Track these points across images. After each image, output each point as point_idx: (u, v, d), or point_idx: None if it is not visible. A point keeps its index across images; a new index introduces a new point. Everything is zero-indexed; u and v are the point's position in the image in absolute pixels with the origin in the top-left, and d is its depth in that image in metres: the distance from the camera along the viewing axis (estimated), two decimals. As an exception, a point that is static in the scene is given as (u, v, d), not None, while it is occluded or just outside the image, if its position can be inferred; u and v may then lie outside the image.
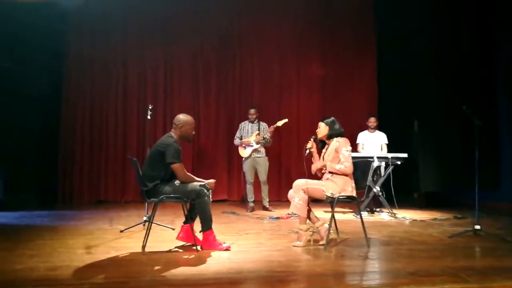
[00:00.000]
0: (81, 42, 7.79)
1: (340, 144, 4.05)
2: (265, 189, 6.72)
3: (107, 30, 7.86)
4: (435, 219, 5.83)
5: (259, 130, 6.71)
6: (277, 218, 5.81)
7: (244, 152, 6.65)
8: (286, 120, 6.57)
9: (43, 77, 7.35)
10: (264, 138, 6.60)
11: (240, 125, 6.91)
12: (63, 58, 7.77)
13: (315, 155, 4.24)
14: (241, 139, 6.73)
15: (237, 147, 6.84)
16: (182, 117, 3.98)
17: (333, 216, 4.02)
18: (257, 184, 6.79)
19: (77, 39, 7.78)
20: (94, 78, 7.87)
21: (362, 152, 6.52)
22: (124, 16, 7.88)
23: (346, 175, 4.00)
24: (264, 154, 6.73)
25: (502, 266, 3.34)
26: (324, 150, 4.21)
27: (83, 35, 7.80)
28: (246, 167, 6.68)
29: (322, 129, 4.17)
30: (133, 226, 4.66)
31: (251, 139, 6.63)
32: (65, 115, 7.73)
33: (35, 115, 7.27)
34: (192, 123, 4.00)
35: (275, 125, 6.53)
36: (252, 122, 6.78)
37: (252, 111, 6.78)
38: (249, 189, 6.71)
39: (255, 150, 6.62)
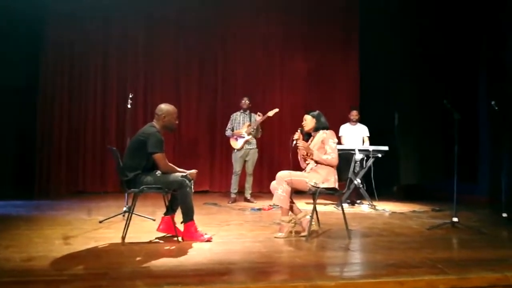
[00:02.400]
0: (59, 30, 7.60)
1: (327, 135, 4.08)
2: (249, 181, 6.70)
3: (87, 17, 7.68)
4: (414, 211, 5.93)
5: (250, 121, 6.66)
6: (259, 209, 5.81)
7: (236, 144, 6.59)
8: (276, 110, 6.55)
9: (20, 66, 7.13)
10: (252, 130, 6.57)
11: (231, 116, 6.80)
12: (40, 48, 7.57)
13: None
14: (232, 130, 6.67)
15: (221, 138, 6.80)
16: (164, 106, 3.91)
17: (315, 208, 4.04)
18: (241, 175, 6.75)
19: (55, 29, 7.60)
20: (72, 67, 7.72)
21: (344, 145, 6.57)
22: (105, 2, 7.68)
23: (332, 166, 4.03)
24: (255, 146, 6.70)
25: (479, 257, 3.40)
26: (309, 142, 4.22)
27: (61, 24, 7.60)
28: (237, 158, 6.61)
29: (309, 122, 4.19)
30: (112, 217, 4.58)
31: (242, 130, 6.58)
32: (43, 104, 7.59)
33: (12, 104, 7.06)
34: (174, 112, 3.93)
35: (265, 115, 6.50)
36: (244, 112, 6.71)
37: (245, 99, 6.71)
38: (235, 180, 6.66)
39: (247, 142, 6.58)
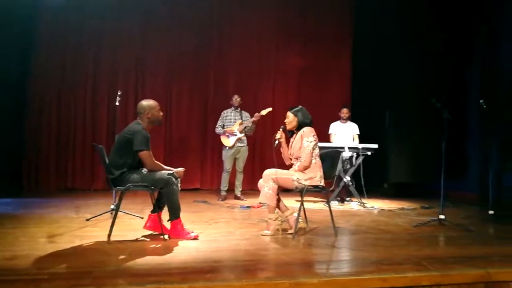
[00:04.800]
0: (51, 28, 7.51)
1: (304, 133, 4.02)
2: (240, 178, 6.69)
3: (80, 14, 7.57)
4: (402, 208, 5.96)
5: (241, 119, 6.65)
6: (248, 207, 5.81)
7: (228, 141, 6.57)
8: (270, 109, 6.51)
9: (11, 63, 7.05)
10: (246, 127, 6.56)
11: (222, 113, 6.78)
12: (31, 45, 7.47)
13: (284, 145, 4.21)
14: (223, 127, 6.66)
15: (212, 135, 6.77)
16: (145, 103, 3.89)
17: (302, 205, 4.04)
18: (232, 172, 6.74)
19: (47, 26, 7.49)
20: (64, 62, 7.61)
21: (334, 143, 6.58)
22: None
23: (306, 168, 3.98)
24: (246, 143, 6.69)
25: (464, 254, 3.43)
26: (292, 140, 4.20)
27: (53, 21, 7.50)
28: (227, 155, 6.60)
29: (291, 119, 4.13)
30: (100, 215, 4.56)
31: (234, 128, 6.56)
32: (32, 100, 7.48)
33: (1, 102, 6.99)
34: (156, 106, 3.90)
35: (259, 114, 6.47)
36: (235, 110, 6.70)
37: (236, 96, 6.70)
38: (225, 177, 6.65)
39: (238, 139, 6.57)
